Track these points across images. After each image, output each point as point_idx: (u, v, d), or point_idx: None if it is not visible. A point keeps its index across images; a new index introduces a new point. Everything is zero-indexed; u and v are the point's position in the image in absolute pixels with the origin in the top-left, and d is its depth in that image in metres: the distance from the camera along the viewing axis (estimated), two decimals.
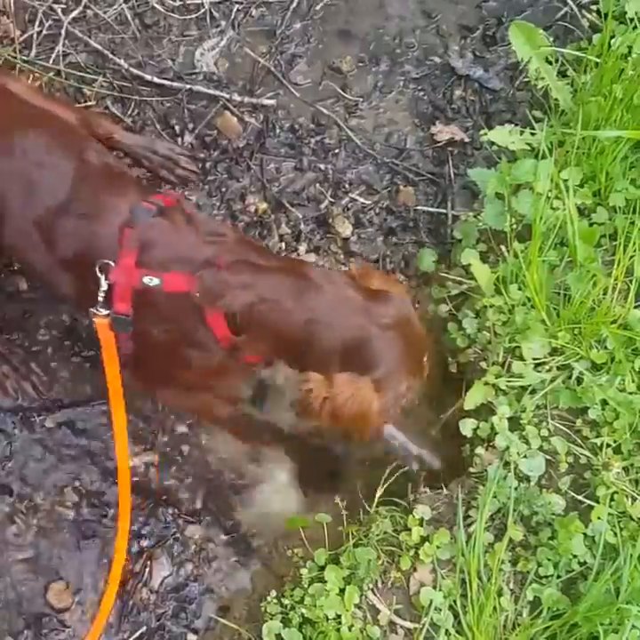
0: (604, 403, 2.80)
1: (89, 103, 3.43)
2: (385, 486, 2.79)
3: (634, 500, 2.72)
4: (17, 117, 2.62)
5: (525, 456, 2.77)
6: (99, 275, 2.40)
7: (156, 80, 3.47)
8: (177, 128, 3.44)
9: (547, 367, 2.87)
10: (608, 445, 2.77)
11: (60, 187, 2.49)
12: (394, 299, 2.46)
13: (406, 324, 2.45)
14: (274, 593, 2.73)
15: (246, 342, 2.44)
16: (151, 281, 2.39)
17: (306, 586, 2.70)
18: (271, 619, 2.68)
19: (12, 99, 2.71)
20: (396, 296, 2.48)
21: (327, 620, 2.63)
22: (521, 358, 2.88)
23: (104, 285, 2.40)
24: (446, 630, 2.62)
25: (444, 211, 3.42)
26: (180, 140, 3.42)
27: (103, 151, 2.69)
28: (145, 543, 3.01)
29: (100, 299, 2.42)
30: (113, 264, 2.40)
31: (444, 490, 2.84)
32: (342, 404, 2.37)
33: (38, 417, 3.11)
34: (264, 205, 3.37)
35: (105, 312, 2.44)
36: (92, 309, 2.44)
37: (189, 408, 2.99)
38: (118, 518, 2.60)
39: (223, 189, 3.39)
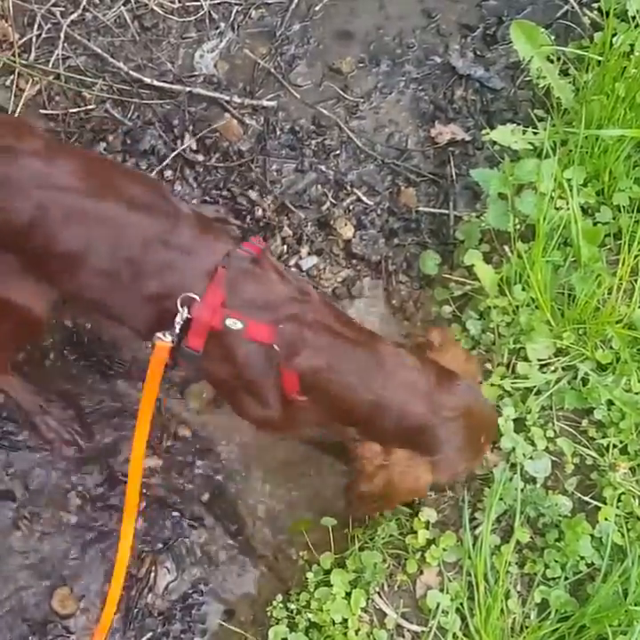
0: (610, 403, 2.80)
1: (89, 107, 3.41)
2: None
3: None
4: (111, 171, 2.61)
5: (531, 457, 2.77)
6: (179, 307, 2.37)
7: (155, 83, 3.46)
8: (177, 131, 3.43)
9: (552, 368, 2.87)
10: (614, 446, 2.77)
11: (156, 223, 2.43)
12: (461, 386, 2.48)
13: (469, 414, 2.47)
14: (280, 597, 2.72)
15: (307, 403, 2.45)
16: (234, 324, 2.37)
17: (312, 590, 2.69)
18: (277, 623, 2.68)
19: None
20: (463, 383, 2.48)
21: (334, 624, 2.63)
22: (526, 359, 2.88)
23: (183, 316, 2.38)
24: (454, 633, 2.62)
25: (446, 211, 3.41)
26: (180, 142, 3.41)
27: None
28: (149, 548, 2.99)
29: (177, 328, 2.39)
30: (197, 299, 2.37)
31: (450, 492, 2.83)
32: (396, 477, 2.42)
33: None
34: (266, 208, 3.35)
35: (169, 338, 2.41)
36: (158, 334, 2.42)
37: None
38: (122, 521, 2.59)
39: (224, 192, 3.38)
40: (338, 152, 3.47)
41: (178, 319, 2.37)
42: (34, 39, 3.50)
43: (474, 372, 2.64)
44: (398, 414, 2.41)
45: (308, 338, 2.40)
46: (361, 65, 3.61)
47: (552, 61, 3.36)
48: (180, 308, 2.36)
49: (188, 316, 2.37)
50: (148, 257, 2.41)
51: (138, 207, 2.44)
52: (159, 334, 2.41)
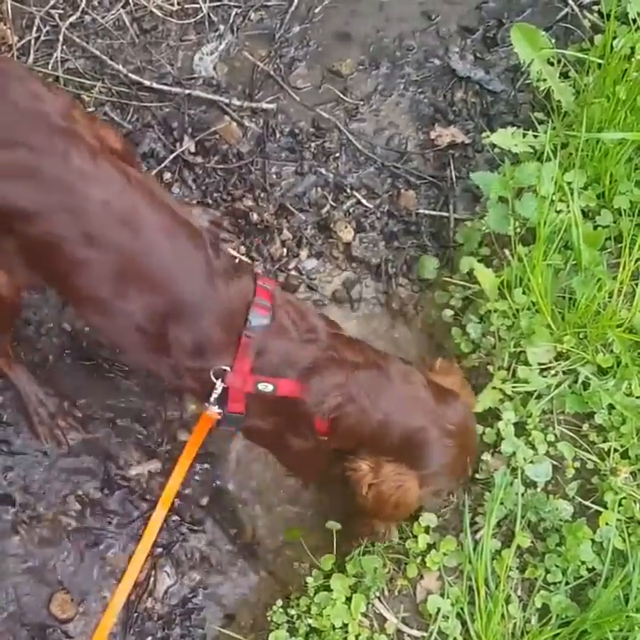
0: (611, 407, 2.78)
1: (88, 109, 3.41)
2: None
3: None
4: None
5: (532, 462, 2.75)
6: (213, 379, 2.49)
7: (154, 85, 3.46)
8: (176, 133, 3.42)
9: (552, 372, 2.85)
10: (615, 450, 2.75)
11: (197, 288, 2.48)
12: (461, 406, 2.60)
13: (465, 433, 2.59)
14: (280, 602, 2.71)
15: (335, 437, 2.57)
16: (266, 387, 2.50)
17: (312, 595, 2.68)
18: (277, 628, 2.67)
19: None
20: (462, 403, 2.61)
21: (334, 629, 2.62)
22: (526, 363, 2.86)
23: (219, 389, 2.50)
24: (454, 638, 2.61)
25: (445, 214, 3.41)
26: (179, 144, 3.40)
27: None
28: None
29: (213, 400, 2.53)
30: (229, 370, 2.49)
31: (450, 497, 2.82)
32: (386, 490, 2.51)
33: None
34: (265, 210, 3.35)
35: (218, 410, 2.56)
36: (207, 404, 2.55)
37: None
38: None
39: (224, 195, 3.37)
40: (337, 155, 3.47)
41: (215, 392, 2.51)
42: (32, 41, 3.49)
43: (469, 397, 2.74)
44: (401, 424, 2.52)
45: (327, 386, 2.51)
46: (361, 67, 3.60)
47: (552, 64, 3.35)
48: (214, 380, 2.49)
49: (224, 385, 2.50)
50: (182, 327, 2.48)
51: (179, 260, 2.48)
52: (208, 405, 2.55)
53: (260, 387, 2.49)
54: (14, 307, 2.72)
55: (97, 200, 2.35)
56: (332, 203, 3.41)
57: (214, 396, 2.51)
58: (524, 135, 3.22)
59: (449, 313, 3.12)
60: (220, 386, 2.49)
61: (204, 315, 2.47)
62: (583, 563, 2.64)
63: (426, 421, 2.52)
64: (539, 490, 2.74)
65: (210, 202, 3.37)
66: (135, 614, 2.91)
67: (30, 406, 3.06)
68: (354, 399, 2.51)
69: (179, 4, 3.61)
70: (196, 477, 3.09)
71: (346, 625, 2.62)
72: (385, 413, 2.51)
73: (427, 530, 2.73)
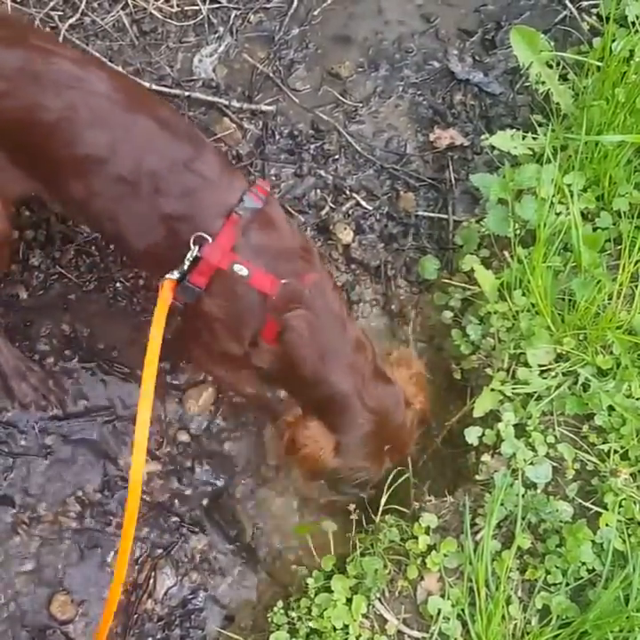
0: (611, 409, 2.79)
1: None
2: (388, 493, 2.77)
3: None
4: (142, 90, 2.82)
5: (532, 463, 2.76)
6: (191, 245, 2.47)
7: (154, 87, 3.45)
8: None
9: (552, 373, 2.86)
10: (615, 452, 2.76)
11: (183, 146, 2.55)
12: (391, 393, 2.69)
13: (385, 419, 2.67)
14: (280, 603, 2.71)
15: (269, 353, 2.61)
16: (240, 270, 2.48)
17: (312, 596, 2.68)
18: (278, 629, 2.66)
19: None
20: (395, 391, 2.70)
21: (335, 630, 2.61)
22: (526, 365, 2.87)
23: (193, 254, 2.47)
24: (455, 639, 2.61)
25: (445, 216, 3.41)
26: None
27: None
28: (149, 553, 2.99)
29: (185, 266, 2.49)
30: (210, 240, 2.47)
31: (450, 498, 2.83)
32: (301, 439, 2.65)
33: (40, 428, 3.08)
34: None
35: (177, 276, 2.50)
36: (168, 275, 2.51)
37: (216, 377, 3.11)
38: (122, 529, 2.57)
39: None
40: (337, 156, 3.47)
41: (188, 256, 2.47)
42: None
43: (419, 398, 2.80)
44: (333, 383, 2.60)
45: (304, 299, 2.54)
46: (360, 69, 3.61)
47: (551, 66, 3.36)
48: (191, 246, 2.47)
49: (198, 254, 2.47)
50: (172, 176, 2.51)
51: (167, 126, 2.55)
52: (168, 275, 2.50)
53: (236, 268, 2.47)
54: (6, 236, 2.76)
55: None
56: (332, 204, 3.41)
57: (188, 257, 2.46)
58: (524, 137, 3.24)
59: (448, 314, 3.13)
60: (195, 252, 2.47)
61: (198, 166, 2.51)
62: (583, 564, 2.64)
63: (353, 391, 2.60)
64: (539, 491, 2.75)
65: None
66: (135, 616, 2.91)
67: (12, 380, 3.06)
68: (311, 329, 2.55)
69: (178, 5, 3.61)
70: (196, 478, 3.09)
71: (346, 626, 2.62)
72: (323, 366, 2.58)
73: (427, 531, 2.73)
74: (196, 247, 2.46)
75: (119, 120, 2.51)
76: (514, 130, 3.26)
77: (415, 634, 2.65)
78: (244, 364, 2.71)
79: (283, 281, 2.50)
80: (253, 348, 2.63)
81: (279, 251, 2.55)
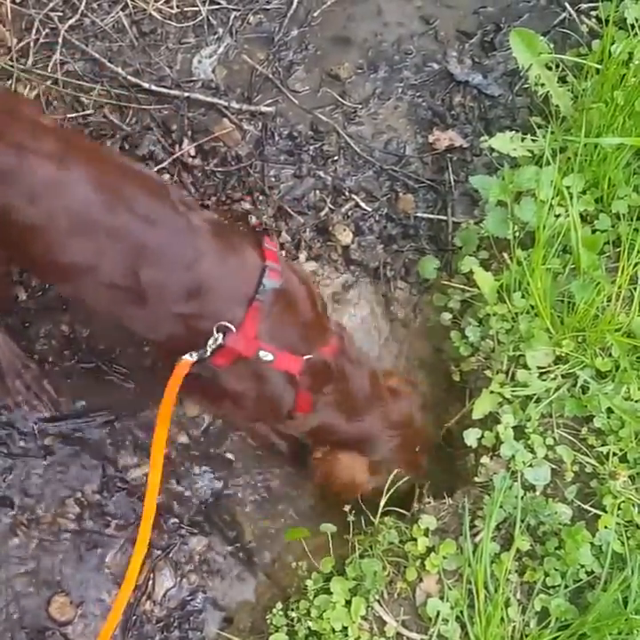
0: (610, 411, 2.79)
1: (87, 112, 3.40)
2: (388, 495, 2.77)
3: None
4: (122, 177, 2.52)
5: (531, 465, 2.76)
6: (215, 333, 2.43)
7: (153, 88, 3.45)
8: (175, 136, 3.42)
9: (551, 375, 2.86)
10: (614, 454, 2.76)
11: (175, 243, 2.44)
12: (404, 399, 2.88)
13: (408, 425, 2.87)
14: (279, 605, 2.71)
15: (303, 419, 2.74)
16: (266, 356, 2.48)
17: (311, 597, 2.68)
18: (277, 631, 2.66)
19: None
20: (405, 397, 2.90)
21: (334, 632, 2.61)
22: (525, 367, 2.87)
23: (217, 342, 2.44)
24: None
25: (444, 218, 3.41)
26: (178, 147, 3.40)
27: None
28: (147, 555, 2.97)
29: (208, 352, 2.45)
30: (233, 329, 2.44)
31: (449, 500, 2.83)
32: (336, 471, 2.80)
33: (39, 428, 3.08)
34: (264, 213, 3.35)
35: (196, 358, 2.47)
36: (186, 356, 2.47)
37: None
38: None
39: (222, 198, 3.37)
40: (336, 158, 3.47)
41: (211, 343, 2.44)
42: (32, 44, 3.48)
43: (412, 393, 2.98)
44: (362, 429, 2.79)
45: (331, 369, 2.64)
46: (359, 71, 3.60)
47: (550, 68, 3.36)
48: (215, 334, 2.43)
49: (222, 342, 2.44)
50: (175, 281, 2.43)
51: (154, 223, 2.43)
52: (187, 356, 2.47)
53: (261, 354, 2.47)
54: None
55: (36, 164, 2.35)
56: (331, 206, 3.41)
57: (210, 345, 2.42)
58: (523, 139, 3.23)
59: (448, 316, 3.13)
60: (219, 341, 2.43)
61: (199, 260, 2.43)
62: (582, 566, 2.65)
63: (379, 421, 2.79)
64: (538, 493, 2.75)
65: (209, 204, 3.37)
66: (134, 617, 2.91)
67: (8, 377, 3.06)
68: (342, 395, 2.71)
69: (178, 6, 3.61)
70: (196, 480, 3.09)
71: (345, 628, 2.62)
72: (358, 418, 2.77)
73: (426, 533, 2.73)
74: (220, 334, 2.43)
75: (102, 224, 2.37)
76: (513, 132, 3.26)
77: (414, 636, 2.65)
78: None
79: (305, 357, 2.55)
80: (289, 419, 2.72)
81: (299, 328, 2.58)
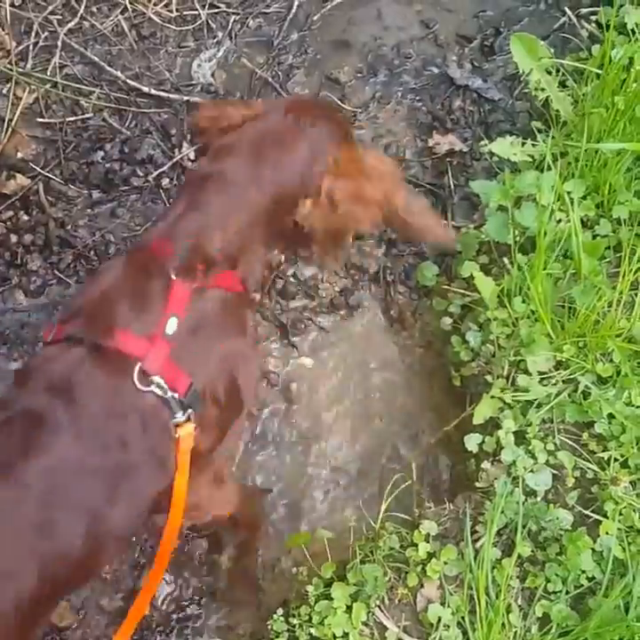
0: (611, 416, 2.79)
1: (86, 115, 3.40)
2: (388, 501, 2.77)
3: None
4: None
5: (532, 470, 2.76)
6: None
7: (153, 92, 3.46)
8: (175, 139, 3.42)
9: (552, 381, 2.86)
10: (615, 459, 2.76)
11: None
12: None
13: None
14: (280, 610, 2.70)
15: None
16: None
17: (312, 603, 2.67)
18: (277, 636, 2.66)
19: None
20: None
21: (335, 637, 2.60)
22: (526, 372, 2.87)
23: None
24: None
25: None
26: (178, 151, 3.40)
27: None
28: (147, 558, 2.98)
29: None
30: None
31: (450, 505, 2.82)
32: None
33: None
34: None
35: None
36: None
37: None
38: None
39: None
40: None
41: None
42: (31, 47, 3.49)
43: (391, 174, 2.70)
44: None
45: None
46: (359, 75, 3.61)
47: (550, 73, 3.36)
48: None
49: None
50: None
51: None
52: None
53: None
54: None
55: None
56: None
57: None
58: (523, 144, 3.23)
59: (448, 321, 3.13)
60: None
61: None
62: (583, 572, 2.64)
63: None
64: (539, 499, 2.75)
65: None
66: None
67: None
68: None
69: (177, 10, 3.62)
70: None
71: (347, 634, 2.61)
72: None
73: (427, 538, 2.73)
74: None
75: None
76: (513, 136, 3.26)
77: None
78: None
79: None
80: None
81: None
